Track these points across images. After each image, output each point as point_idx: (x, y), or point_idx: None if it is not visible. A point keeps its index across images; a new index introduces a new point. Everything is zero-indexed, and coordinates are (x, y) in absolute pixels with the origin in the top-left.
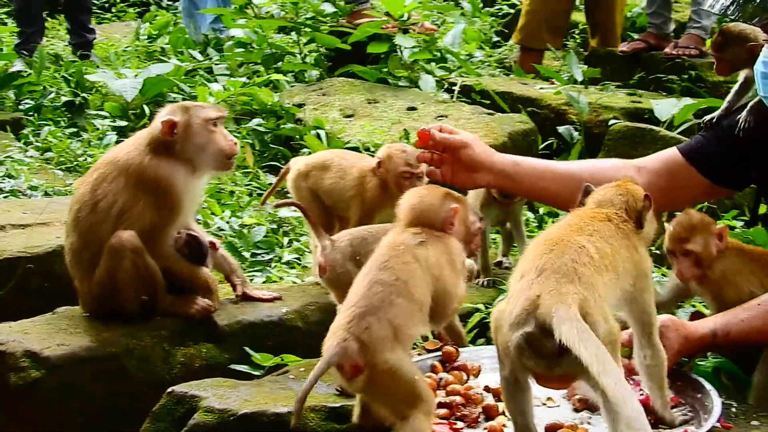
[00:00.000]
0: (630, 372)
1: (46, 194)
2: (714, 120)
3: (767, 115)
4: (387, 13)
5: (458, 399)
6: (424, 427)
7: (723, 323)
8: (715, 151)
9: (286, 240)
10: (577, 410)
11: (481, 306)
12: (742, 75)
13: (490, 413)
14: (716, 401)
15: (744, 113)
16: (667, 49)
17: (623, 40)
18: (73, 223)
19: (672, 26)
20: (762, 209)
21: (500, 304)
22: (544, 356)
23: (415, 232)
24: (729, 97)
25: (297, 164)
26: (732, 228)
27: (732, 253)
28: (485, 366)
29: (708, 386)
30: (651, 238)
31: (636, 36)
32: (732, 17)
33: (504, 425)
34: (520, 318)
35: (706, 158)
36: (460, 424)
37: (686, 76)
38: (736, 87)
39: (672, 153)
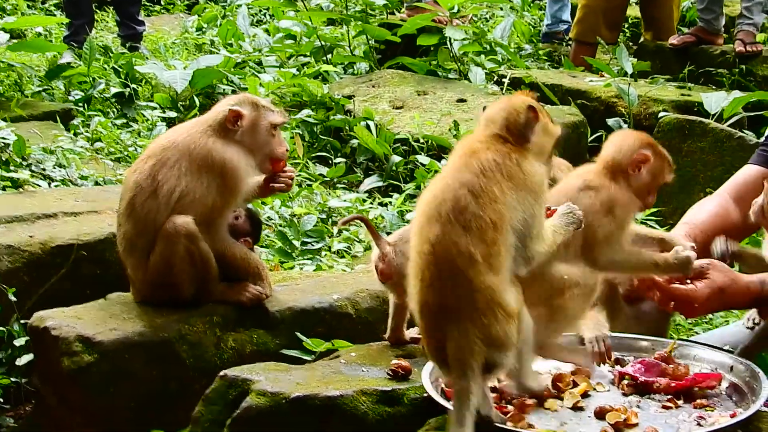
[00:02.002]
0: (666, 360)
1: (97, 183)
2: None
3: None
4: None
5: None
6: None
7: None
8: None
9: (335, 229)
10: (625, 394)
11: None
12: None
13: (540, 397)
14: (765, 384)
15: None
16: (739, 48)
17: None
18: (127, 211)
19: (723, 21)
20: None
21: None
22: None
23: None
24: None
25: None
26: None
27: None
28: None
29: (757, 369)
30: (546, 148)
31: (686, 30)
32: None
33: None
34: None
35: None
36: (509, 408)
37: (737, 70)
38: None
39: (749, 169)
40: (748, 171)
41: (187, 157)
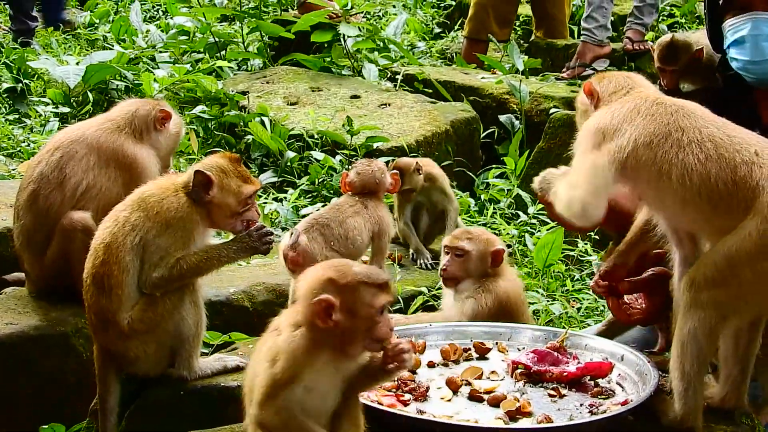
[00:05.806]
0: (558, 350)
1: None
2: None
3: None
4: None
5: (406, 373)
6: None
7: None
8: None
9: None
10: (517, 380)
11: (424, 289)
12: None
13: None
14: (654, 374)
15: None
16: (627, 46)
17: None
18: (28, 203)
19: (608, 33)
20: None
21: None
22: None
23: None
24: None
25: None
26: None
27: None
28: (429, 343)
29: (645, 358)
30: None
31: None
32: None
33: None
34: None
35: None
36: (407, 396)
37: (626, 68)
38: None
39: None
40: None
41: (96, 151)
